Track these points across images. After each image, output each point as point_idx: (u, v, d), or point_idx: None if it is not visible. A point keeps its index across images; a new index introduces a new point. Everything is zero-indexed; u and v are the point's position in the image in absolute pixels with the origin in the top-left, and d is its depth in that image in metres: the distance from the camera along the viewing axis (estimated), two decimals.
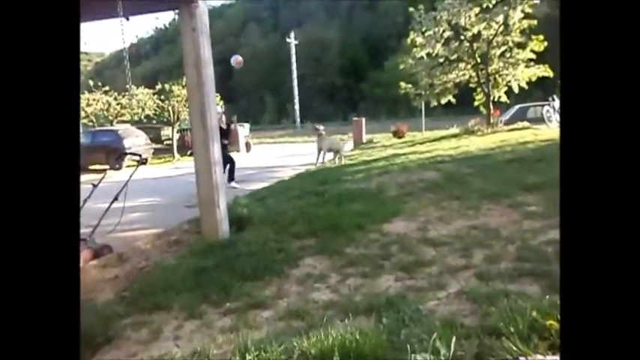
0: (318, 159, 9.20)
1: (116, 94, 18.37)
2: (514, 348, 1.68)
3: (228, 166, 8.06)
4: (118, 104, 18.03)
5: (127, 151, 12.30)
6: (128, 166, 12.06)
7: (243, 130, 17.95)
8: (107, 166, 11.66)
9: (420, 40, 14.52)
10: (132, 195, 4.79)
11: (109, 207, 4.56)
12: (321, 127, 10.02)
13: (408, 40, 15.13)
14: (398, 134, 16.27)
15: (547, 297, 2.10)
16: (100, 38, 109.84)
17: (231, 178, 8.37)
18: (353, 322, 2.26)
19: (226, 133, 8.38)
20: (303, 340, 1.97)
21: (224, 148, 7.84)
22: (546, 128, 12.61)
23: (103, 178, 4.67)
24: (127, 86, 17.76)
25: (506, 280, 2.63)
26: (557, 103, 13.97)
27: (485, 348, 1.79)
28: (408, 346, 1.69)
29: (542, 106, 14.68)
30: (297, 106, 37.58)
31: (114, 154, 11.68)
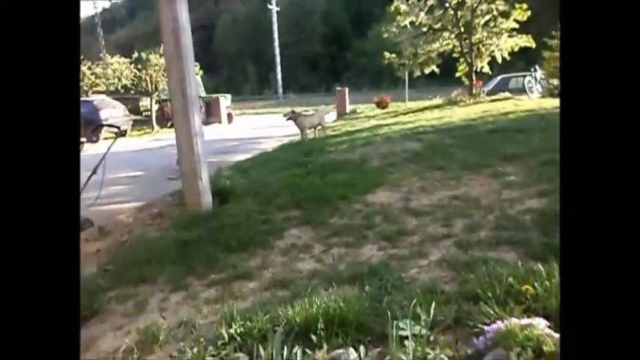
0: (302, 136, 9.04)
1: (90, 63, 17.63)
2: (491, 312, 1.75)
3: None
4: (92, 74, 17.32)
5: (104, 122, 11.95)
6: (106, 139, 11.76)
7: (224, 101, 17.60)
8: (84, 139, 11.33)
9: (403, 7, 14.24)
10: (111, 168, 4.70)
11: (87, 180, 4.46)
12: (293, 110, 9.58)
13: (392, 8, 14.83)
14: (381, 105, 16.18)
15: (525, 264, 2.18)
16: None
17: None
18: (337, 290, 2.31)
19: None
20: (288, 309, 2.01)
21: None
22: (527, 99, 12.73)
23: (79, 151, 4.54)
24: (101, 55, 17.08)
25: (485, 248, 2.71)
26: (538, 74, 14.07)
27: (463, 313, 1.86)
28: (389, 312, 1.74)
29: (524, 76, 14.75)
30: (279, 76, 36.83)
31: (90, 126, 11.31)
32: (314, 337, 1.77)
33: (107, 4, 55.62)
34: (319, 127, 9.57)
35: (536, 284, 1.85)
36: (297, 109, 10.00)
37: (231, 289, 2.56)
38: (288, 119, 9.00)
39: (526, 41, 13.79)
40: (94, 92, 17.22)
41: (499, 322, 1.52)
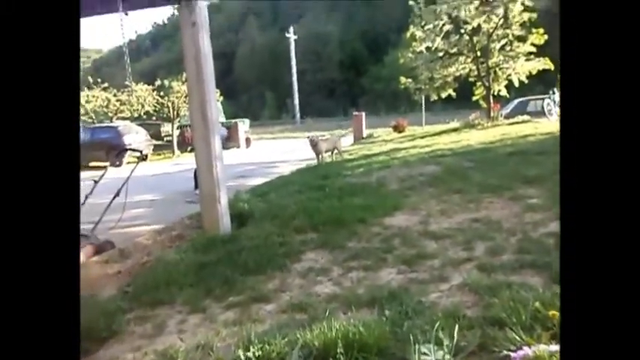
0: (318, 160, 9.21)
1: (115, 90, 18.32)
2: (517, 338, 1.68)
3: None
4: (117, 101, 17.99)
5: (128, 147, 12.29)
6: (129, 163, 12.07)
7: (242, 126, 17.95)
8: (107, 163, 11.66)
9: (419, 33, 14.47)
10: (133, 191, 4.80)
11: (110, 203, 4.57)
12: (315, 135, 9.82)
13: (408, 34, 15.09)
14: (398, 129, 16.24)
15: (550, 289, 2.11)
16: (98, 35, 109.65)
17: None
18: (356, 314, 2.27)
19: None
20: (307, 333, 1.98)
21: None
22: (547, 121, 12.59)
23: (103, 174, 4.67)
24: (127, 82, 17.75)
25: (508, 271, 2.63)
26: (557, 96, 13.95)
27: (488, 338, 1.79)
28: (411, 337, 1.70)
29: (543, 99, 14.66)
30: (296, 102, 37.46)
31: (114, 150, 11.67)
32: None
33: (134, 36, 58.12)
34: (335, 151, 9.66)
35: None
36: (314, 134, 10.18)
37: (249, 312, 2.54)
38: (311, 141, 9.34)
39: (544, 64, 13.77)
40: (118, 118, 17.82)
41: (526, 348, 1.46)
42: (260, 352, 1.90)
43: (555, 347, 1.43)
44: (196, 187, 6.61)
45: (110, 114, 17.96)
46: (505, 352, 1.61)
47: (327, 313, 2.26)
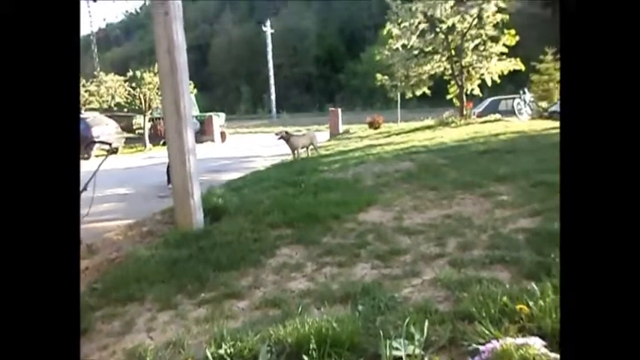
0: (294, 156, 9.09)
1: (84, 80, 17.65)
2: (486, 332, 1.72)
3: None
4: (85, 91, 17.33)
5: (96, 139, 11.88)
6: (97, 156, 11.68)
7: (218, 120, 17.66)
8: None
9: (396, 31, 14.57)
10: (102, 185, 4.64)
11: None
12: (284, 131, 9.63)
13: (385, 31, 15.17)
14: (374, 125, 16.35)
15: (518, 283, 2.17)
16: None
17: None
18: (329, 310, 2.27)
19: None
20: (280, 329, 1.97)
21: None
22: (517, 120, 12.96)
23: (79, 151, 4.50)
24: (95, 72, 17.15)
25: (479, 267, 2.69)
26: (527, 97, 14.37)
27: (458, 332, 1.83)
28: (383, 332, 1.71)
29: (514, 99, 15.05)
30: (273, 96, 37.19)
31: (82, 143, 11.25)
32: (306, 358, 1.73)
33: (103, 24, 56.24)
34: (311, 147, 9.62)
35: (530, 303, 1.84)
36: (290, 129, 10.08)
37: (221, 309, 2.51)
38: (279, 138, 9.02)
39: (515, 64, 14.13)
40: (87, 109, 17.18)
41: (494, 342, 1.49)
42: (232, 349, 1.88)
43: (522, 340, 1.47)
44: (169, 181, 6.47)
45: None
46: (474, 345, 1.64)
47: (300, 309, 2.25)
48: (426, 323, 1.76)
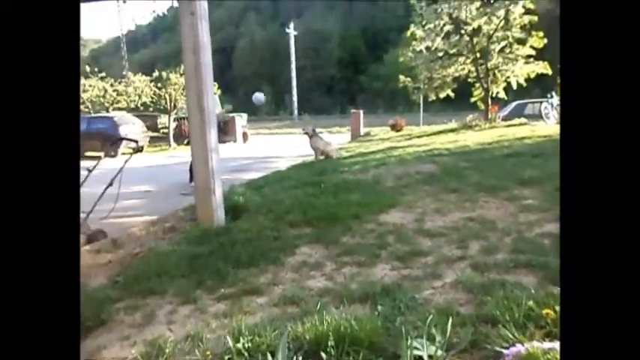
0: (316, 156, 9.14)
1: (112, 80, 18.17)
2: (510, 335, 1.67)
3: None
4: (114, 91, 17.85)
5: (123, 137, 12.19)
6: (123, 154, 11.98)
7: (240, 120, 17.86)
8: (102, 153, 11.58)
9: (420, 33, 14.43)
10: (127, 182, 4.76)
11: (103, 192, 4.53)
12: (311, 127, 9.63)
13: (408, 33, 15.04)
14: (396, 128, 16.22)
15: (544, 288, 2.10)
16: (98, 24, 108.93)
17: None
18: (348, 309, 2.25)
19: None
20: (298, 326, 1.96)
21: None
22: (544, 125, 12.62)
23: (97, 164, 4.62)
24: (124, 73, 17.60)
25: (502, 270, 2.62)
26: (555, 100, 13.98)
27: (480, 335, 1.78)
28: (403, 332, 1.68)
29: (540, 102, 14.67)
30: (294, 98, 37.39)
31: (109, 140, 11.58)
32: (324, 355, 1.71)
33: (132, 26, 57.74)
34: (322, 154, 9.37)
35: (557, 308, 1.77)
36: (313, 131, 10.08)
37: (240, 304, 2.52)
38: (305, 133, 9.31)
39: (542, 68, 13.77)
40: (114, 109, 17.68)
41: (519, 346, 1.45)
42: (250, 344, 1.88)
43: (549, 345, 1.42)
44: (191, 179, 6.63)
45: (107, 104, 17.82)
46: (497, 348, 1.59)
47: (318, 307, 2.24)
48: (449, 325, 1.72)
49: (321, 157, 9.16)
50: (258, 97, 10.15)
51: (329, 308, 2.30)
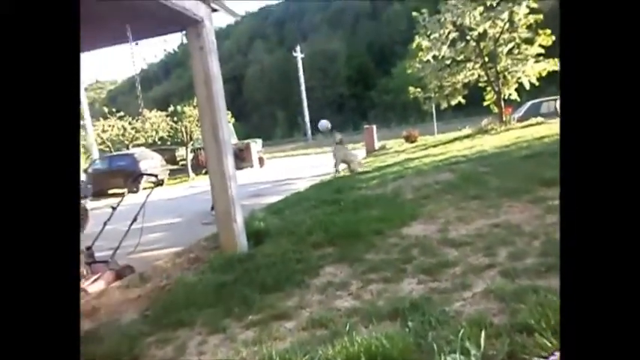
0: (335, 167, 9.47)
1: (130, 118, 18.77)
2: (547, 344, 1.61)
3: None
4: (132, 128, 18.41)
5: (143, 172, 12.48)
6: (145, 189, 12.25)
7: (255, 146, 18.10)
8: (125, 190, 11.87)
9: (425, 43, 14.52)
10: (150, 216, 4.85)
11: (128, 228, 4.62)
12: (339, 136, 10.11)
13: (414, 45, 15.15)
14: (410, 139, 16.17)
15: None
16: (113, 67, 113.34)
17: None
18: (377, 327, 2.21)
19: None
20: (329, 348, 1.94)
21: None
22: None
23: (120, 201, 4.74)
24: (140, 110, 18.17)
25: (533, 276, 2.55)
26: None
27: (517, 346, 1.72)
28: (436, 347, 1.64)
29: (555, 100, 14.44)
30: (307, 119, 37.75)
31: (131, 177, 11.88)
32: None
33: (145, 65, 59.87)
34: (350, 166, 9.65)
35: None
36: (326, 149, 10.48)
37: (269, 330, 2.50)
38: (336, 143, 9.80)
39: (554, 65, 13.62)
40: (134, 145, 18.20)
41: (558, 354, 1.39)
42: None
43: None
44: (213, 207, 6.80)
45: (126, 142, 18.36)
46: (536, 358, 1.54)
47: (347, 328, 2.21)
48: (482, 336, 1.67)
49: (342, 168, 9.38)
50: (324, 123, 10.66)
51: (358, 328, 2.27)
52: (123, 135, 18.30)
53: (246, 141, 18.40)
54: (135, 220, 4.67)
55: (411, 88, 15.99)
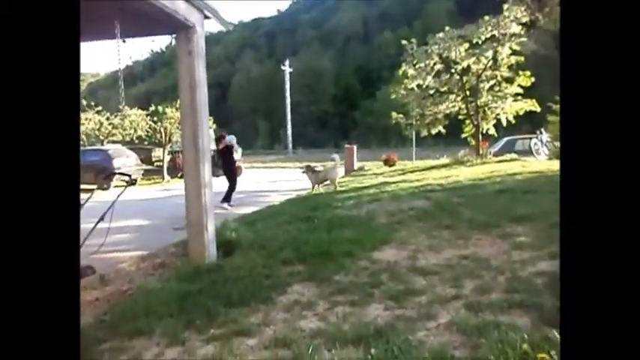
0: (313, 189, 9.56)
1: (109, 114, 18.34)
2: None
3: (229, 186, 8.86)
4: (110, 124, 17.97)
5: (116, 170, 12.17)
6: (116, 187, 11.92)
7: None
8: (95, 186, 11.51)
9: (411, 71, 14.88)
10: (119, 216, 4.71)
11: (94, 227, 4.46)
12: (318, 167, 10.23)
13: (400, 72, 15.51)
14: (389, 162, 16.40)
15: (539, 330, 2.07)
16: (97, 59, 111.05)
17: (225, 199, 8.72)
18: (341, 352, 2.19)
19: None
20: None
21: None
22: (534, 160, 12.83)
23: (89, 197, 4.59)
24: (120, 106, 17.80)
25: (497, 311, 2.59)
26: (544, 137, 14.30)
27: None
28: None
29: (530, 138, 14.98)
30: (289, 132, 37.86)
31: (103, 173, 11.54)
32: None
33: (130, 62, 58.98)
34: (327, 182, 9.76)
35: (552, 353, 1.75)
36: (308, 164, 10.60)
37: (230, 346, 2.44)
38: (303, 172, 9.82)
39: (531, 105, 14.19)
40: (109, 141, 17.75)
41: None
42: None
43: None
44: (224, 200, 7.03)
45: (102, 137, 17.90)
46: None
47: (310, 350, 2.18)
48: None
49: (320, 188, 9.45)
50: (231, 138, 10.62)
51: (321, 351, 2.24)
52: (99, 130, 17.83)
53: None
54: (102, 218, 4.51)
55: (394, 113, 16.30)
